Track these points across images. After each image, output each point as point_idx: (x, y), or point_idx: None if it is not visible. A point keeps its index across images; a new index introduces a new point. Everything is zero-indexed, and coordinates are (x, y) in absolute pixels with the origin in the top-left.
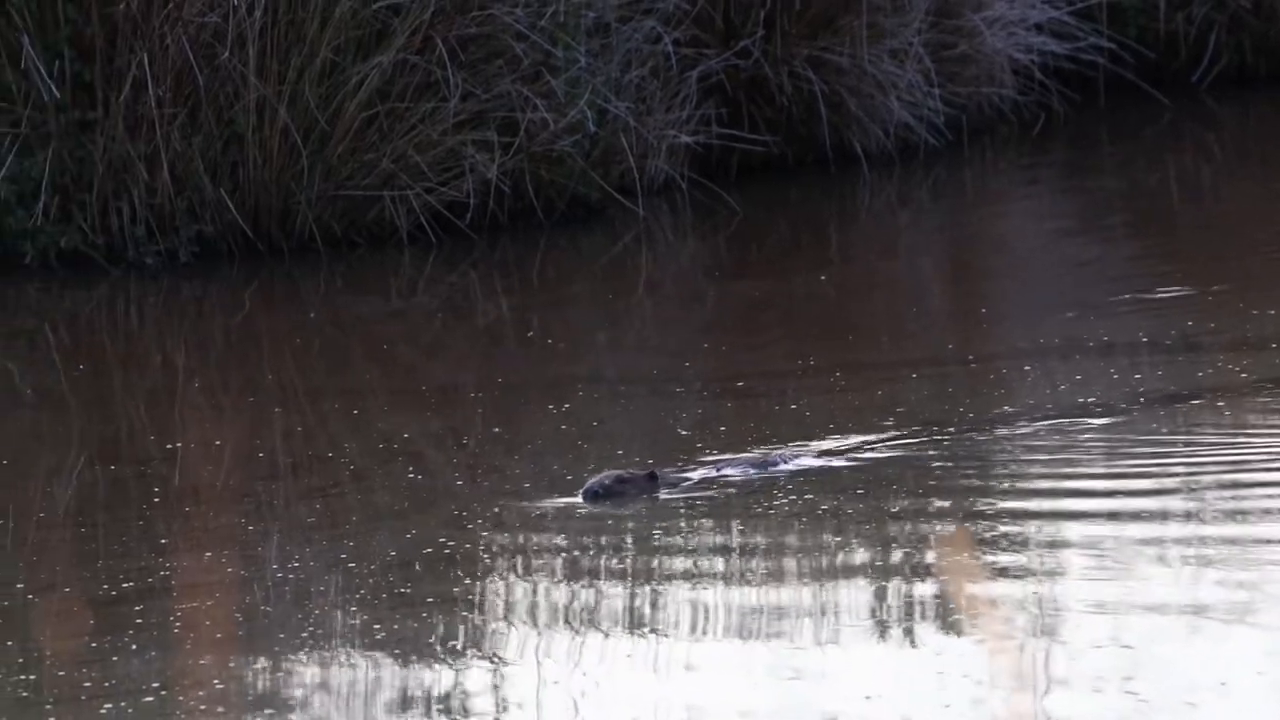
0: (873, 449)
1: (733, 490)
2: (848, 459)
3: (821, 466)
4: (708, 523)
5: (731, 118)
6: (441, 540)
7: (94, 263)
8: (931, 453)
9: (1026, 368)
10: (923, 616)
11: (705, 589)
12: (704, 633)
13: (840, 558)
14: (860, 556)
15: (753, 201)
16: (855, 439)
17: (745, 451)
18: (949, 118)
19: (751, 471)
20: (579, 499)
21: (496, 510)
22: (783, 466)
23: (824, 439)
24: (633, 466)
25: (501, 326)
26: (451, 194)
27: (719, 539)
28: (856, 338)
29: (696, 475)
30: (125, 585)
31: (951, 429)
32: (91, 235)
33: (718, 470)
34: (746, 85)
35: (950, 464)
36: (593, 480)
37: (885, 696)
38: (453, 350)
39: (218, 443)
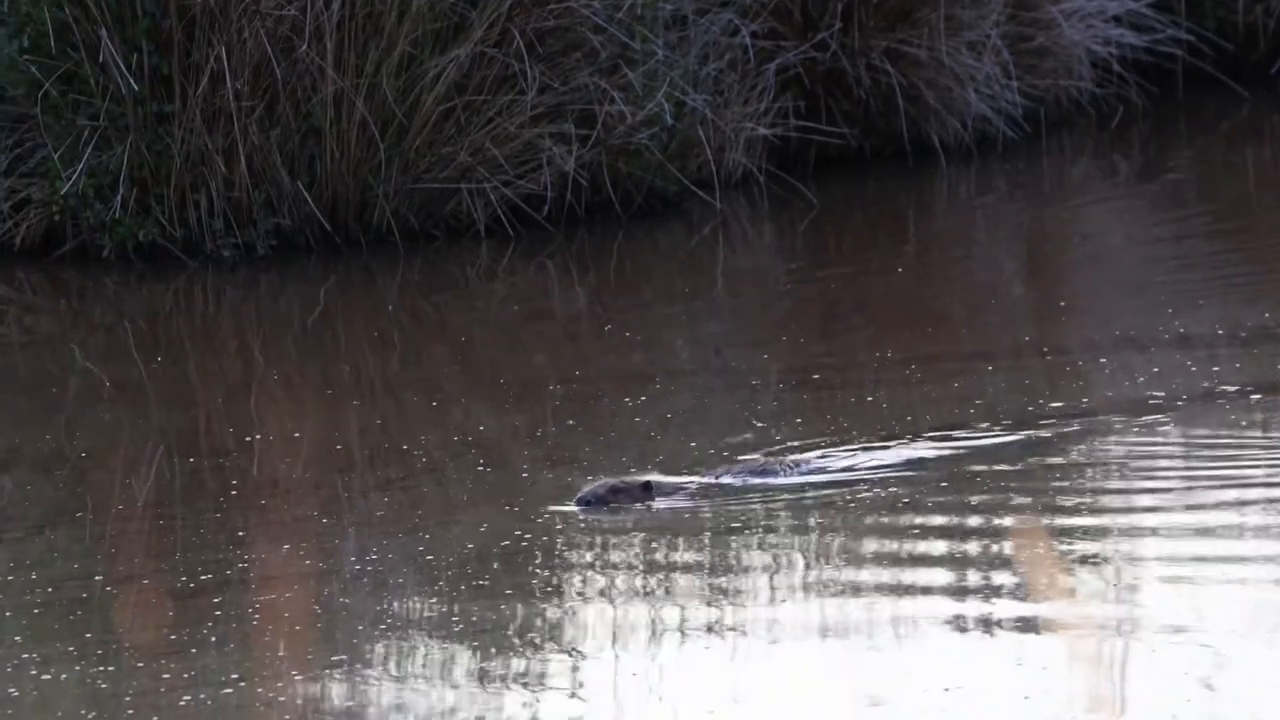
0: (884, 453)
1: (733, 499)
2: (853, 467)
3: (826, 471)
4: (784, 517)
5: (809, 110)
6: (518, 532)
7: (171, 255)
8: (1009, 445)
9: (1103, 360)
10: (1001, 609)
11: (781, 583)
12: (781, 624)
13: (919, 547)
14: (938, 549)
15: (830, 194)
16: (859, 446)
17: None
18: (1027, 110)
19: (751, 479)
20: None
21: (572, 503)
22: (783, 475)
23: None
24: (665, 470)
25: (579, 319)
26: (529, 187)
27: (794, 535)
28: (933, 330)
29: (694, 484)
30: (204, 578)
31: (1023, 421)
32: (169, 228)
33: (716, 478)
34: (824, 78)
35: (1030, 457)
36: (586, 489)
37: (964, 688)
38: (530, 343)
39: (295, 435)
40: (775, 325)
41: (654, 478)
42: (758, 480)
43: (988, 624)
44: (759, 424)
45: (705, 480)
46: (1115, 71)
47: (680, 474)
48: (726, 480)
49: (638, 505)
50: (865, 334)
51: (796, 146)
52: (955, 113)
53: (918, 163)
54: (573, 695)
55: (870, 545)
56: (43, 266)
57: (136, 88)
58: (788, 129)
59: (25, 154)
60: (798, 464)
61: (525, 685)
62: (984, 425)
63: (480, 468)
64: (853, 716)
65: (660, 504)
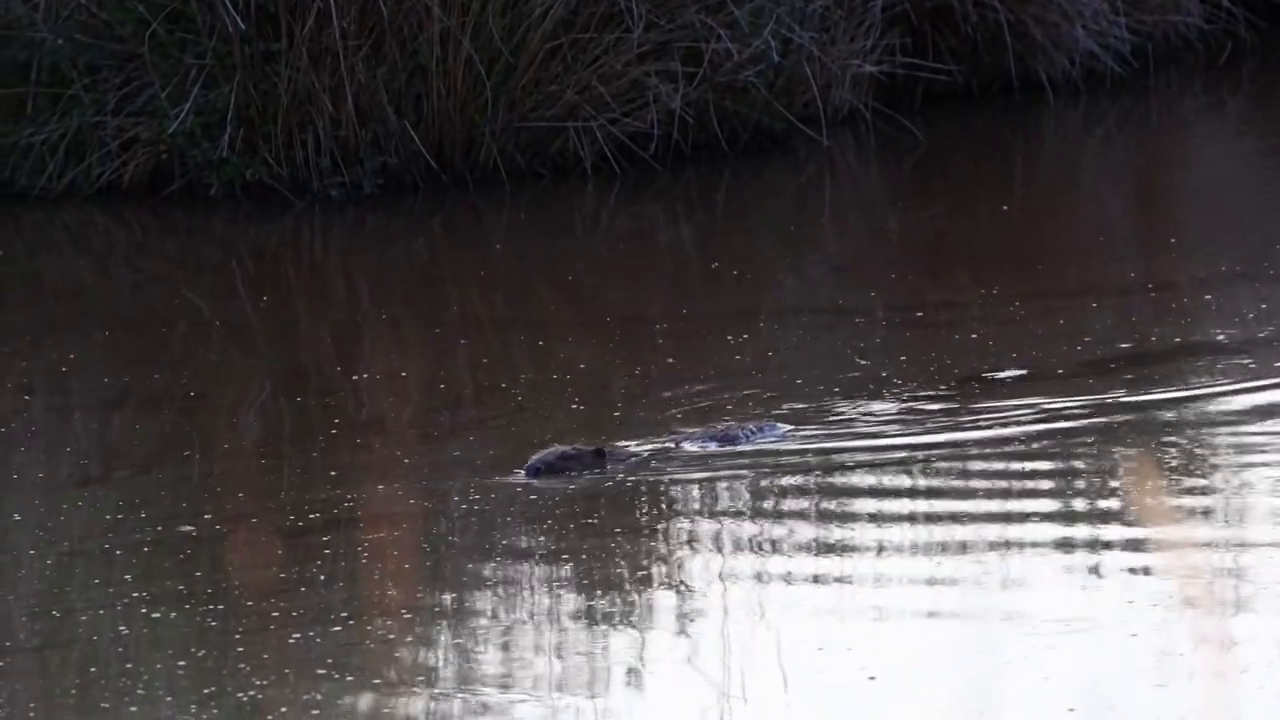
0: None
1: (693, 464)
2: (840, 426)
3: (796, 435)
4: (895, 459)
5: (916, 47)
6: (623, 472)
7: (278, 195)
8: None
9: (1209, 297)
10: (1109, 548)
11: (889, 525)
12: (887, 565)
13: (1026, 485)
14: (1044, 484)
15: (937, 131)
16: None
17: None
18: (1134, 46)
19: (711, 445)
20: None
21: (674, 441)
22: (745, 440)
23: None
24: (594, 440)
25: (685, 257)
26: (635, 125)
27: (900, 479)
28: (1039, 267)
29: (648, 450)
30: (311, 516)
31: (1130, 359)
32: (276, 167)
33: (675, 445)
34: (931, 14)
35: (1137, 394)
36: (536, 456)
37: (1075, 625)
38: (636, 281)
39: (402, 374)
40: (881, 263)
41: (609, 445)
42: (718, 446)
43: (1096, 567)
44: (862, 361)
45: (664, 445)
46: (1224, 6)
47: (654, 437)
48: (687, 446)
49: (591, 472)
50: (971, 271)
51: (903, 83)
52: (1063, 49)
53: (1025, 99)
54: (680, 633)
55: (977, 484)
56: (150, 205)
57: (243, 26)
58: (894, 66)
59: (133, 93)
60: (760, 429)
61: (632, 623)
62: (1090, 361)
63: (585, 405)
64: (960, 656)
65: (615, 469)
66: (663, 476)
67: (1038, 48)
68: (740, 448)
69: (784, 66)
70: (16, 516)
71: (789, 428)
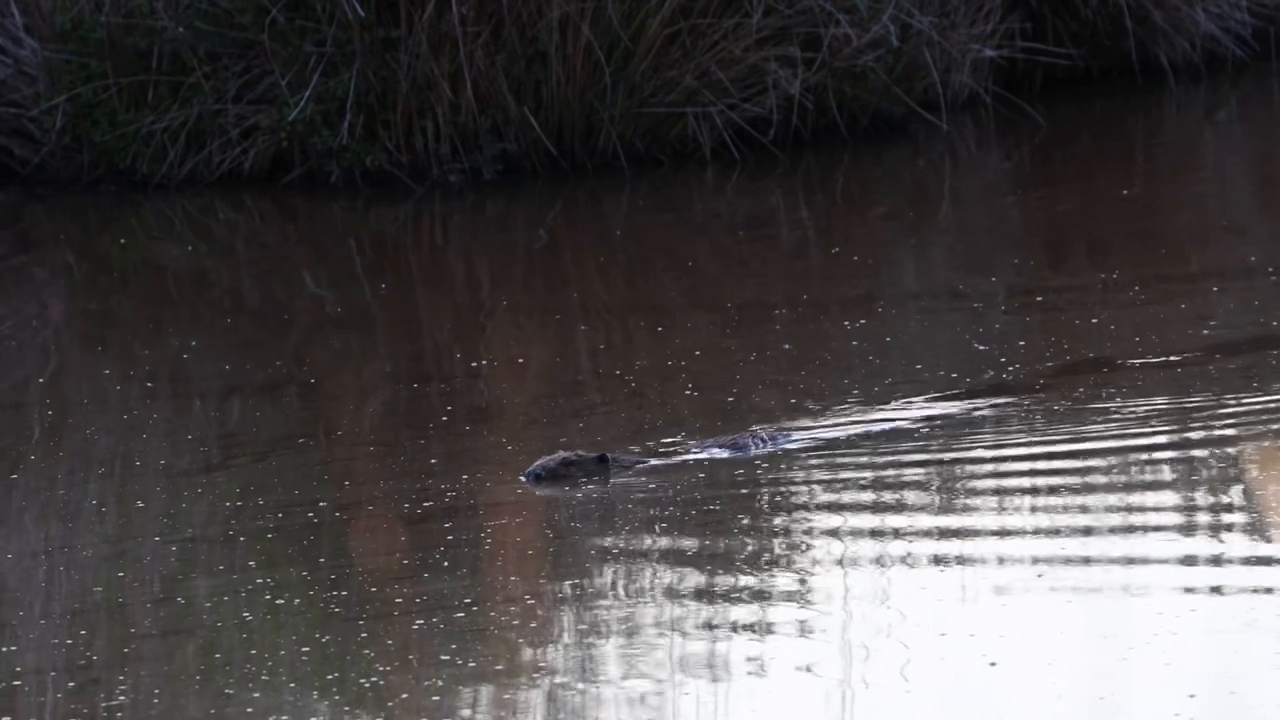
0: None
1: (701, 473)
2: (901, 419)
3: (815, 440)
4: (1016, 443)
5: (1036, 31)
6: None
7: (398, 181)
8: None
9: None
10: (1232, 532)
11: (1011, 509)
12: (1009, 548)
13: (1147, 468)
14: (1167, 468)
15: (1057, 116)
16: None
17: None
18: (1256, 30)
19: (720, 453)
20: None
21: (682, 449)
22: (755, 448)
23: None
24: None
25: (805, 242)
26: (754, 110)
27: (1021, 464)
28: (1161, 251)
29: (652, 460)
30: (430, 503)
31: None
32: (395, 154)
33: (687, 452)
34: None
35: (1259, 378)
36: (538, 463)
37: (1197, 610)
38: (756, 267)
39: (521, 360)
40: (1001, 247)
41: (612, 452)
42: (727, 454)
43: (1220, 553)
44: (981, 347)
45: (671, 452)
46: None
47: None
48: (696, 455)
49: (592, 479)
50: (1091, 255)
51: (1023, 68)
52: (1183, 32)
53: (1145, 83)
54: (801, 618)
55: (1098, 467)
56: (271, 193)
57: (363, 13)
58: (1014, 50)
59: (253, 81)
60: (773, 437)
61: (753, 609)
62: (1212, 346)
63: (703, 390)
64: (1083, 640)
65: (616, 478)
66: (780, 464)
67: (1158, 31)
68: (753, 451)
69: (904, 51)
70: (139, 503)
71: (801, 436)
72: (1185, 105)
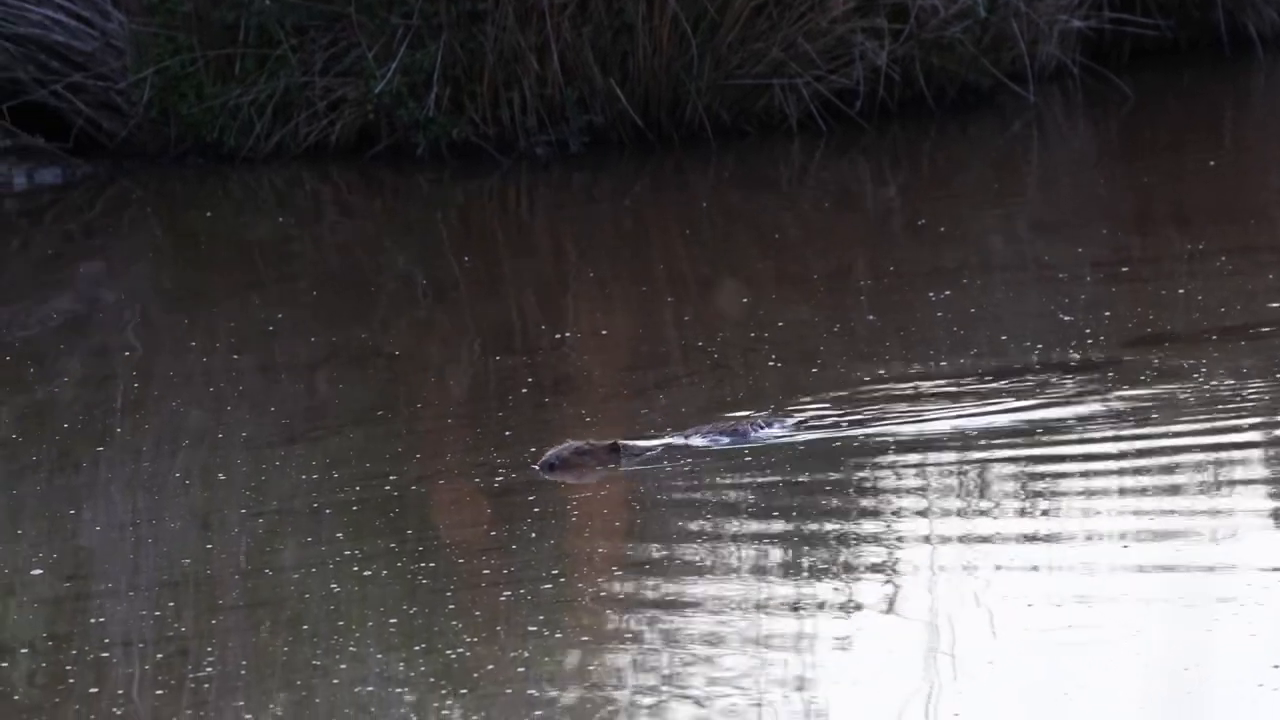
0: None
1: (706, 459)
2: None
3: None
4: (1102, 414)
5: (1123, 1)
6: (833, 419)
7: (484, 153)
8: None
9: None
10: None
11: (1096, 480)
12: (1095, 522)
13: (1234, 438)
14: (1254, 439)
15: (1144, 86)
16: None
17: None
18: None
19: (723, 440)
20: (538, 469)
21: (683, 437)
22: (757, 434)
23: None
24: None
25: (891, 214)
26: (841, 81)
27: (1107, 434)
28: (1250, 222)
29: (660, 445)
30: (514, 475)
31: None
32: (482, 126)
33: (685, 439)
34: None
35: None
36: (551, 452)
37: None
38: (842, 238)
39: (606, 332)
40: (1087, 219)
41: (622, 440)
42: (728, 440)
43: None
44: (1067, 318)
45: (674, 441)
46: None
47: (659, 433)
48: (696, 441)
49: (605, 467)
50: (1178, 226)
51: (1110, 38)
52: (1273, 3)
53: (1234, 54)
54: (888, 590)
55: (1185, 440)
56: (357, 165)
57: None
58: (1102, 21)
59: (340, 53)
60: (770, 422)
61: (840, 580)
62: None
63: (772, 363)
64: (1167, 610)
65: (627, 466)
66: (862, 431)
67: (1247, 2)
68: (749, 443)
69: (991, 22)
70: (225, 476)
71: (798, 419)
72: (1273, 76)
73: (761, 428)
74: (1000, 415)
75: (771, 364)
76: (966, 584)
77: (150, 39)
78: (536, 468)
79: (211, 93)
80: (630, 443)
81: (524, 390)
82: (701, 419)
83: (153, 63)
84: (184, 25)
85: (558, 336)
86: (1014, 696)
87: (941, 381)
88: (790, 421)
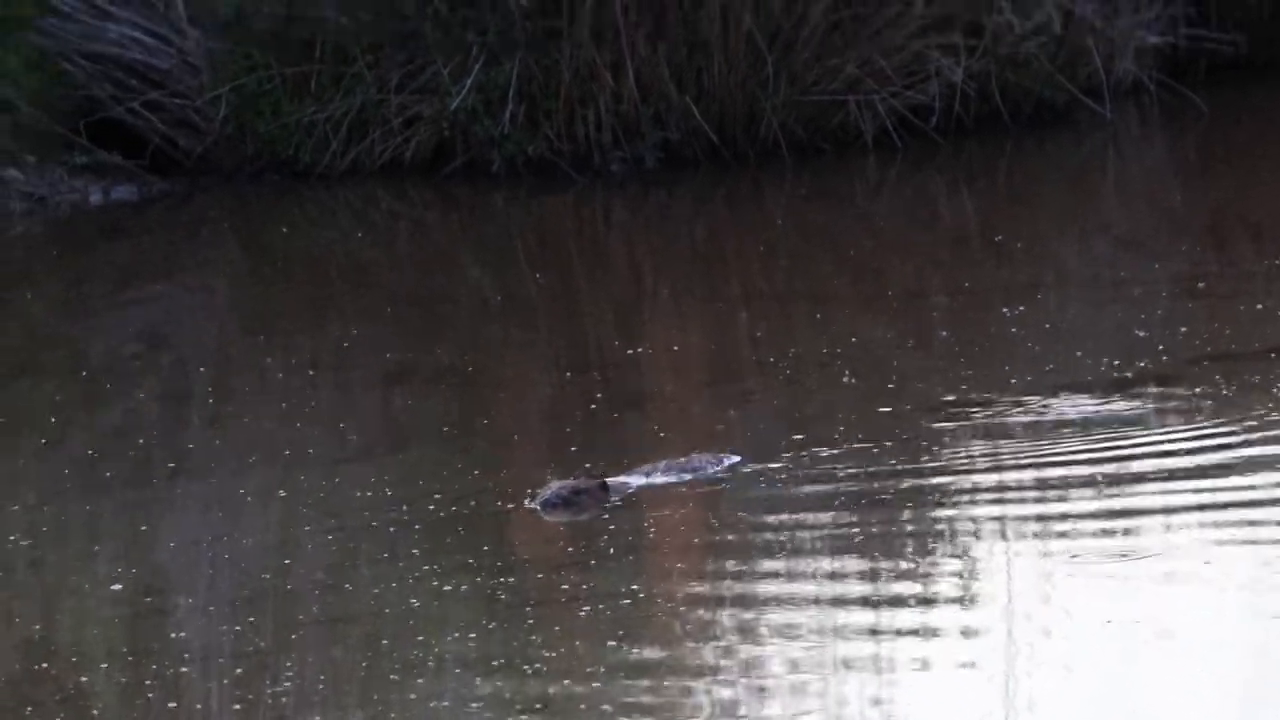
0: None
1: (684, 490)
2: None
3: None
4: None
5: (1200, 17)
6: (904, 435)
7: (559, 170)
8: None
9: None
10: None
11: (1175, 493)
12: (1175, 536)
13: None
14: None
15: (1220, 103)
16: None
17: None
18: None
19: (686, 476)
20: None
21: (643, 474)
22: (709, 469)
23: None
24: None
25: (967, 230)
26: (917, 98)
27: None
28: None
29: (636, 483)
30: (626, 482)
31: None
32: (557, 143)
33: (646, 476)
34: None
35: None
36: (550, 491)
37: None
38: (918, 254)
39: (678, 348)
40: (1163, 234)
41: (610, 479)
42: (689, 476)
43: None
44: (1143, 333)
45: (651, 479)
46: None
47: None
48: (660, 479)
49: (599, 505)
50: (1254, 242)
51: (1186, 54)
52: None
53: None
54: (965, 604)
55: (1262, 452)
56: (433, 182)
57: (525, 3)
58: (1177, 37)
59: (415, 70)
60: (720, 460)
61: (917, 599)
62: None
63: (845, 379)
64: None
65: (615, 501)
66: (938, 449)
67: None
68: (708, 473)
69: (1066, 38)
70: (300, 492)
71: (738, 459)
72: None
73: (715, 464)
74: (1076, 430)
75: (845, 380)
76: (1045, 599)
77: (226, 56)
78: (536, 507)
79: (287, 110)
80: (618, 480)
81: (600, 406)
82: (772, 436)
83: (229, 80)
84: (260, 43)
85: (631, 353)
86: (1088, 693)
87: (1016, 395)
88: (735, 459)
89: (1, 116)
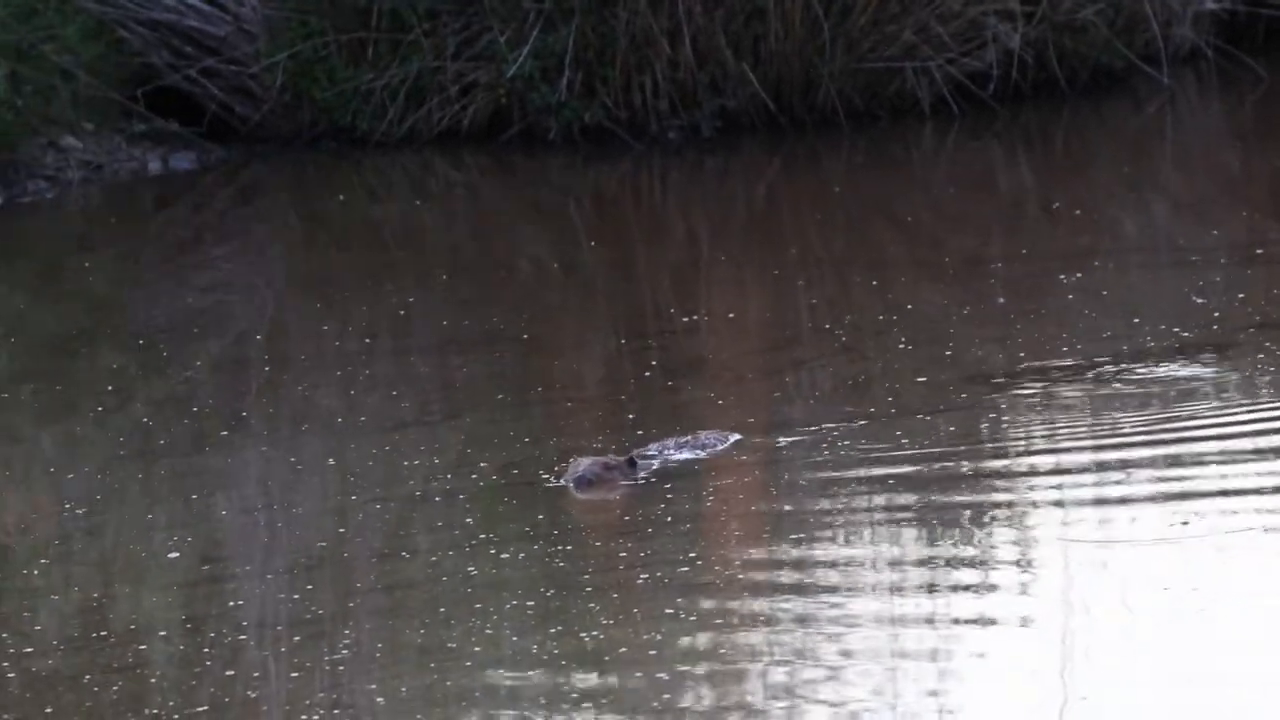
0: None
1: (704, 461)
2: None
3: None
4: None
5: None
6: (960, 404)
7: (616, 137)
8: None
9: None
10: None
11: (1233, 463)
12: (1232, 503)
13: None
14: None
15: (1278, 68)
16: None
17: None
18: None
19: (699, 452)
20: (569, 483)
21: (657, 450)
22: (718, 446)
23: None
24: (615, 451)
25: (1024, 197)
26: (974, 64)
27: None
28: None
29: (656, 460)
30: (648, 457)
31: None
32: (614, 110)
33: (661, 453)
34: None
35: None
36: (582, 469)
37: None
38: (975, 221)
39: (734, 315)
40: (1222, 201)
41: (635, 453)
42: (702, 453)
43: None
44: (1200, 300)
45: (648, 454)
46: None
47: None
48: (675, 455)
49: (626, 480)
50: None
51: (1244, 20)
52: None
53: None
54: (1022, 571)
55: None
56: (489, 149)
57: None
58: (1236, 2)
59: (472, 38)
60: (723, 437)
61: (975, 568)
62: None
63: (901, 346)
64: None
65: (642, 477)
66: (997, 421)
67: None
68: (711, 453)
69: (1124, 4)
70: (357, 459)
71: (739, 437)
72: None
73: (719, 442)
74: (1133, 398)
75: (902, 346)
76: (1101, 566)
77: (283, 23)
78: (567, 484)
79: (344, 77)
80: (643, 456)
81: (656, 373)
82: (827, 403)
83: (285, 47)
84: (316, 9)
85: (687, 320)
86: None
87: (1074, 363)
88: (734, 437)
89: (60, 85)
